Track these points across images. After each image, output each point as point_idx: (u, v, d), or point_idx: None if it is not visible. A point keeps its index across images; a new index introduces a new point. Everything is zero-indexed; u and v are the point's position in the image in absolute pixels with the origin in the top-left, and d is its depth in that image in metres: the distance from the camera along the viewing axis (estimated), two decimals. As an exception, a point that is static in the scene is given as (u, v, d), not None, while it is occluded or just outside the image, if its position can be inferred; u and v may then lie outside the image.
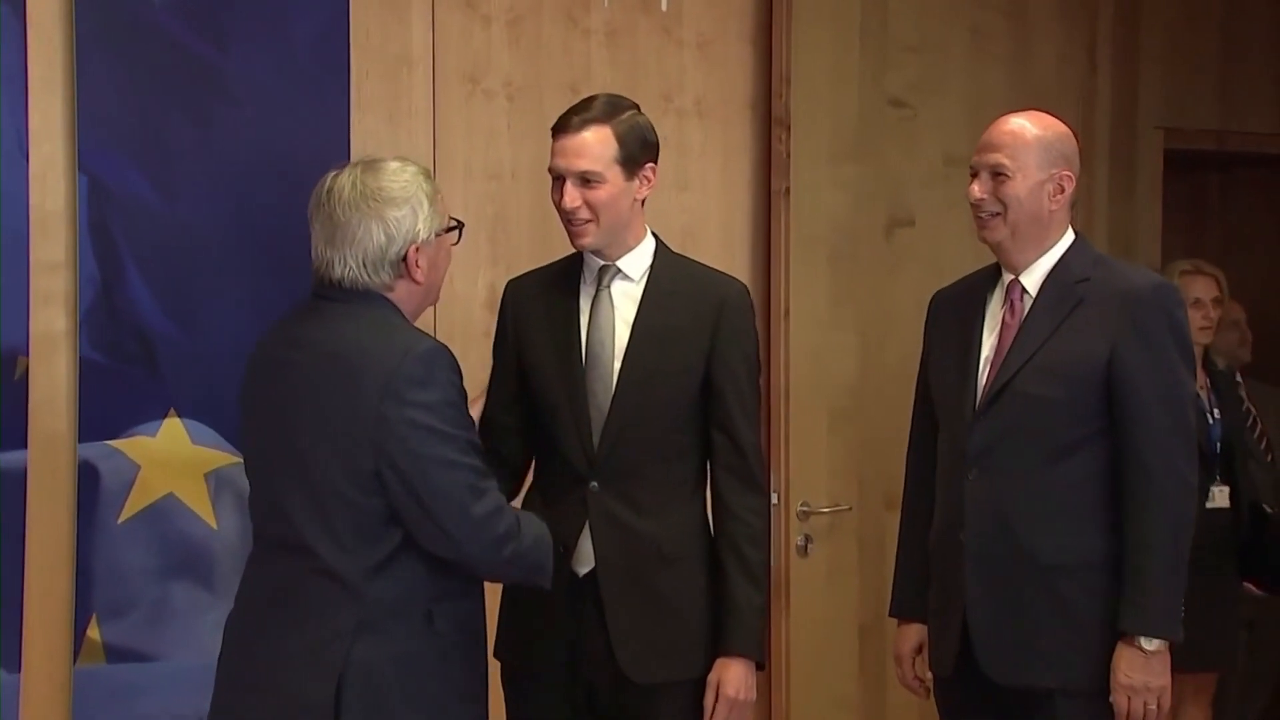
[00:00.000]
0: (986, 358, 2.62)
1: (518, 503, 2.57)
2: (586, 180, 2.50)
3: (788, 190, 3.54)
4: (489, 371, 2.67)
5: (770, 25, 3.56)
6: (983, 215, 2.61)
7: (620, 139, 2.52)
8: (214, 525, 2.92)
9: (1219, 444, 3.94)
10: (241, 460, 2.88)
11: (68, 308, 2.81)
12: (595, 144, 2.50)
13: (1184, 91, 4.21)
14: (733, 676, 2.51)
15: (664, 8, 3.49)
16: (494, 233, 3.29)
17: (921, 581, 2.74)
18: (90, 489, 2.81)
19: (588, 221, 2.51)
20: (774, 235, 3.57)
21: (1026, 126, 2.60)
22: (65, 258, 2.81)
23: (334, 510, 2.11)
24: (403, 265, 2.18)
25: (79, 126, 2.80)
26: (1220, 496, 3.93)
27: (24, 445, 2.76)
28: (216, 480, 2.92)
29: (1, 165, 2.74)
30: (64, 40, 2.79)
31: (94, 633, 2.81)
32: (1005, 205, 2.58)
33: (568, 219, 2.53)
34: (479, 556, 2.15)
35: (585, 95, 3.36)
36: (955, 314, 2.72)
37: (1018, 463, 2.55)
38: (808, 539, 3.54)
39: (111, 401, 2.84)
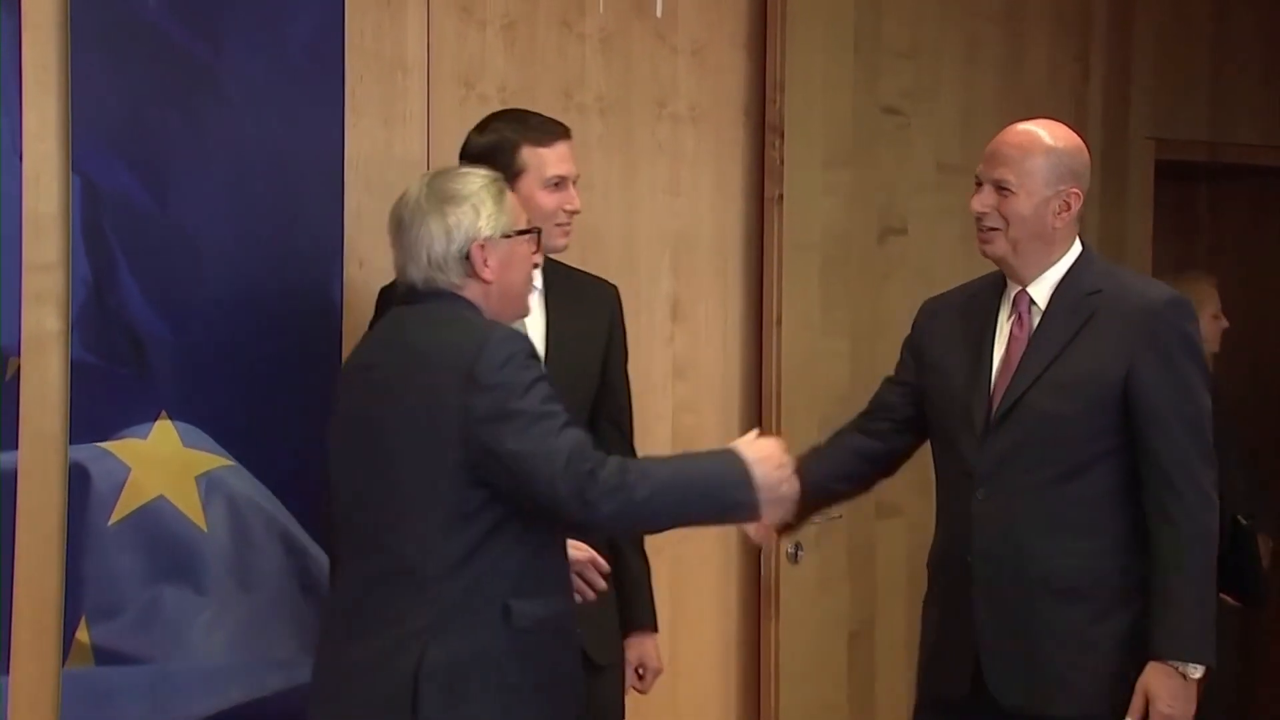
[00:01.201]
0: (996, 371, 2.54)
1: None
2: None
3: (781, 197, 3.55)
4: None
5: (764, 31, 3.57)
6: (984, 228, 2.54)
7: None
8: (204, 528, 2.91)
9: None
10: (233, 463, 2.93)
11: (60, 308, 2.80)
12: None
13: (1175, 102, 4.23)
14: (647, 652, 2.84)
15: (658, 13, 3.49)
16: (487, 237, 3.29)
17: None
18: (81, 491, 2.80)
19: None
20: (767, 241, 3.58)
21: (1036, 141, 2.52)
22: (58, 258, 2.80)
23: (416, 509, 2.12)
24: (469, 263, 2.21)
25: (73, 127, 2.79)
26: None
27: (15, 446, 2.75)
28: (208, 483, 2.91)
29: (-5, 165, 2.73)
30: (60, 40, 2.78)
31: (83, 635, 2.80)
32: (1007, 221, 2.50)
33: (566, 223, 2.65)
34: (601, 523, 2.12)
35: (579, 100, 3.41)
36: (961, 324, 2.63)
37: (1029, 481, 2.46)
38: (798, 547, 3.54)
39: (103, 403, 2.82)
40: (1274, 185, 4.70)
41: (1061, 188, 2.50)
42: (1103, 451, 2.46)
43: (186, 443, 2.89)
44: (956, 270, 3.86)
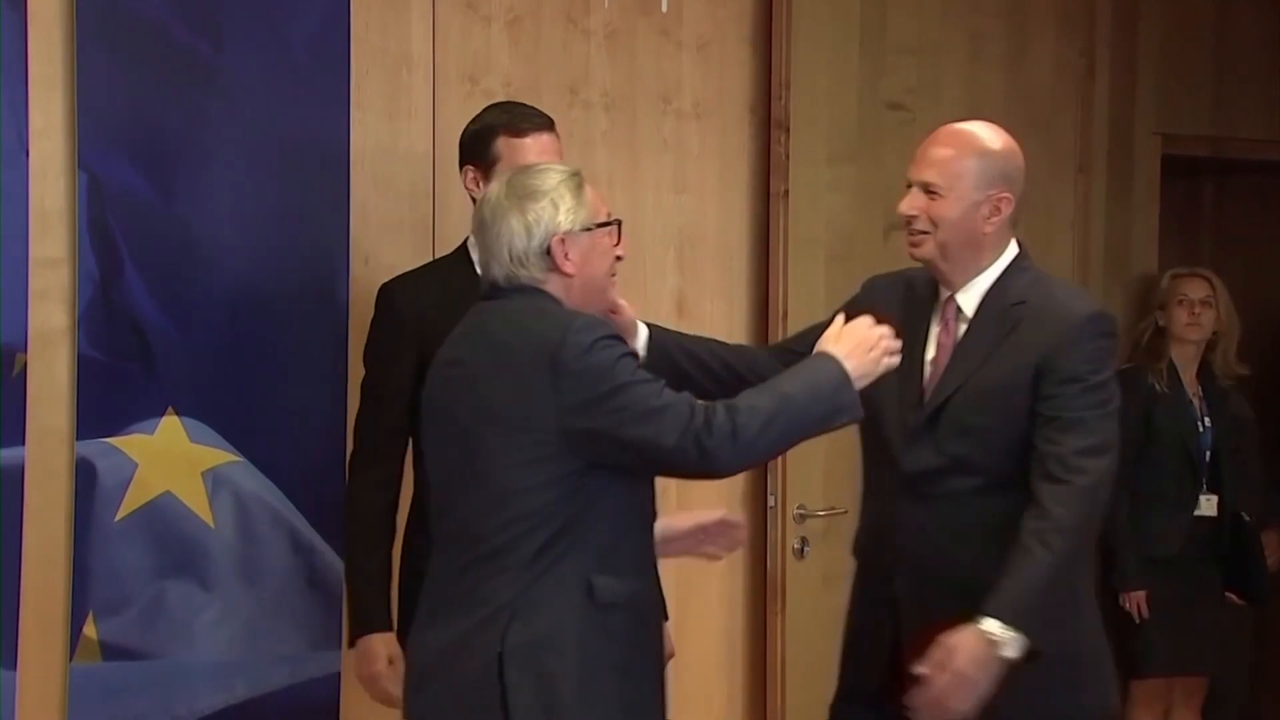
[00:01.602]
0: (926, 377, 2.50)
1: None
2: None
3: (786, 193, 3.55)
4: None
5: (770, 28, 3.57)
6: (912, 231, 2.47)
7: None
8: (211, 524, 2.92)
9: (1208, 453, 3.96)
10: (239, 459, 2.94)
11: (66, 304, 2.81)
12: (557, 145, 2.70)
13: (1180, 98, 4.23)
14: None
15: (664, 9, 3.49)
16: (493, 233, 3.29)
17: None
18: (88, 486, 2.80)
19: None
20: (772, 237, 3.58)
21: (965, 143, 2.45)
22: (65, 254, 2.81)
23: (505, 497, 2.15)
24: (549, 258, 2.22)
25: (79, 124, 2.80)
26: (1208, 505, 3.95)
27: (22, 442, 2.75)
28: (214, 479, 2.91)
29: (1, 162, 2.73)
30: (65, 37, 2.78)
31: (90, 630, 2.80)
32: (935, 224, 2.43)
33: None
34: (723, 469, 2.18)
35: (584, 96, 3.41)
36: (900, 315, 2.49)
37: (950, 490, 2.42)
38: (804, 542, 3.54)
39: (110, 399, 2.83)
40: (1279, 180, 4.70)
41: (991, 192, 2.44)
42: (1022, 462, 2.38)
43: (193, 438, 2.90)
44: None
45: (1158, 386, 3.97)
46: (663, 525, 2.36)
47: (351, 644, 2.65)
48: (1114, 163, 4.06)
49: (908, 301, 2.56)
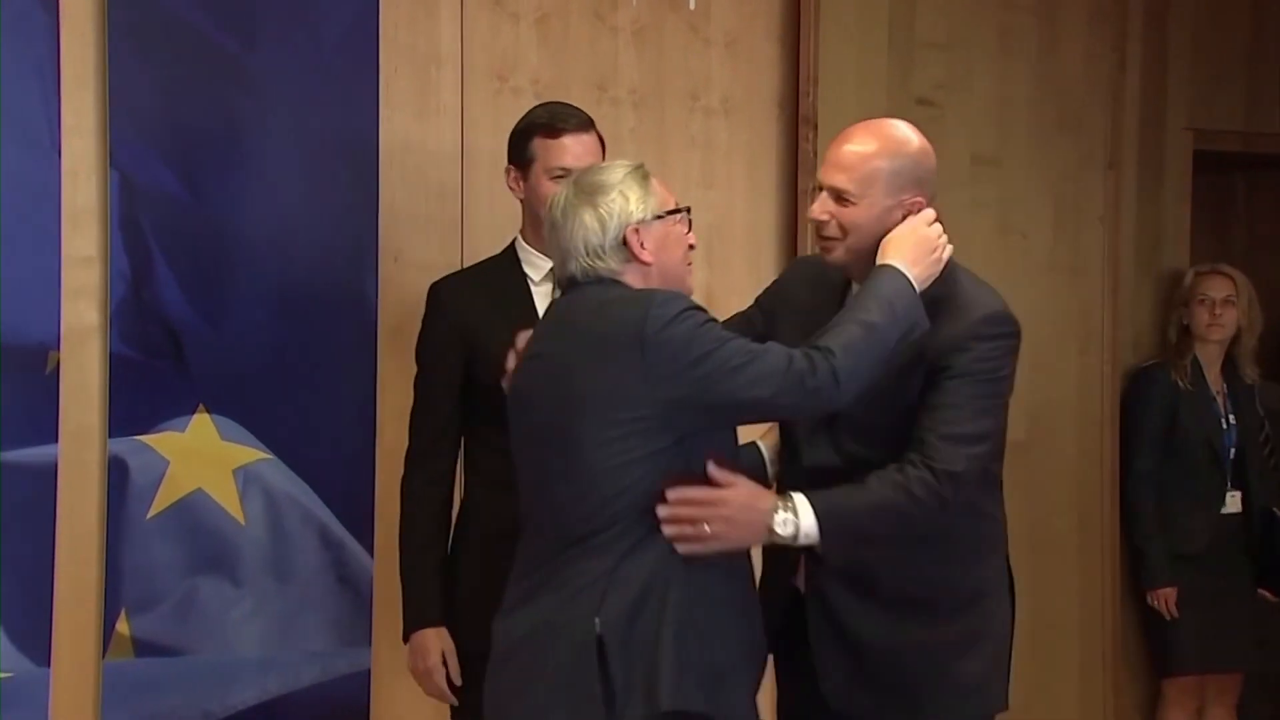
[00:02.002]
0: None
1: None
2: None
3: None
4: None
5: (798, 24, 3.56)
6: (822, 237, 2.41)
7: (601, 144, 2.74)
8: (242, 521, 2.93)
9: (1233, 449, 3.94)
10: (270, 456, 2.95)
11: (99, 302, 2.83)
12: (595, 145, 2.70)
13: (1212, 92, 4.19)
14: None
15: (691, 6, 3.49)
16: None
17: None
18: (120, 484, 2.83)
19: None
20: (800, 233, 3.56)
21: (877, 148, 2.36)
22: (97, 252, 2.83)
23: (597, 480, 2.18)
24: (626, 248, 2.25)
25: (110, 123, 2.81)
26: (1233, 502, 3.93)
27: (55, 439, 2.78)
28: (245, 476, 2.93)
29: (34, 161, 2.75)
30: (97, 37, 2.80)
31: (123, 627, 2.82)
32: (845, 231, 2.36)
33: None
34: (831, 404, 2.22)
35: (612, 93, 3.41)
36: (810, 301, 2.47)
37: (853, 465, 2.34)
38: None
39: (141, 397, 2.85)
40: (1312, 175, 4.66)
41: (904, 197, 2.35)
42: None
43: (224, 436, 2.91)
44: (991, 263, 3.84)
45: (1181, 384, 3.96)
46: None
47: (405, 639, 2.65)
48: (1145, 158, 4.02)
49: (820, 288, 2.50)
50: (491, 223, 3.24)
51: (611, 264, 2.24)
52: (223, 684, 2.90)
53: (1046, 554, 3.89)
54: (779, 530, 2.22)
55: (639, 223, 2.25)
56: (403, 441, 2.82)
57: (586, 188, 2.27)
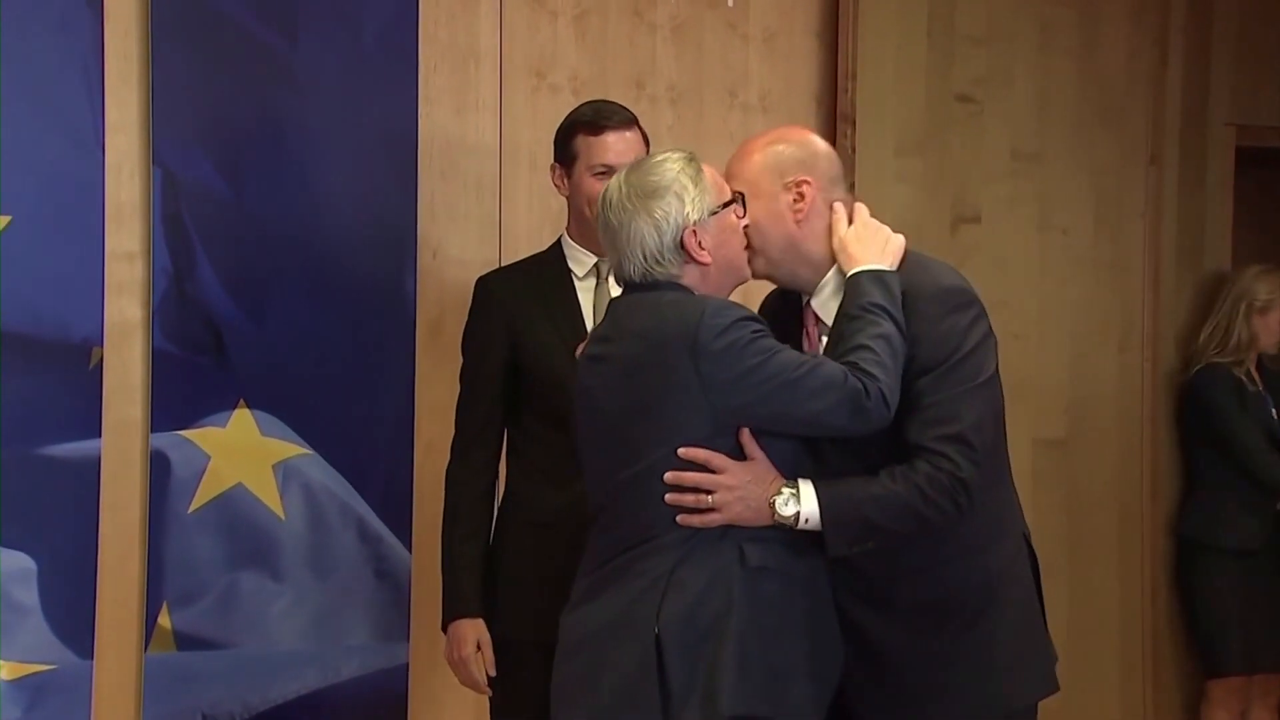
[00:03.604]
0: None
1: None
2: None
3: (852, 185, 3.52)
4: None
5: (836, 19, 3.55)
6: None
7: (645, 141, 2.73)
8: (282, 516, 2.95)
9: None
10: (310, 452, 2.96)
11: (142, 298, 2.85)
12: (639, 142, 2.70)
13: (1255, 88, 4.15)
14: None
15: (730, 2, 3.48)
16: (558, 226, 3.29)
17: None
18: (162, 478, 2.84)
19: None
20: (838, 231, 3.55)
21: (750, 145, 2.34)
22: (140, 248, 2.85)
23: (657, 482, 2.17)
24: (684, 251, 2.23)
25: (153, 119, 2.83)
26: None
27: (98, 434, 2.80)
28: (285, 471, 2.94)
29: (78, 157, 2.78)
30: (140, 34, 2.82)
31: (165, 620, 2.84)
32: (748, 237, 2.29)
33: None
34: (879, 421, 2.19)
35: (650, 90, 3.41)
36: (780, 317, 2.41)
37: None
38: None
39: (183, 392, 2.87)
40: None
41: (789, 179, 2.30)
42: (897, 444, 2.25)
43: (264, 431, 2.93)
44: (1031, 259, 3.84)
45: (1246, 382, 3.94)
46: None
47: (444, 628, 2.67)
48: (1186, 153, 3.99)
49: (783, 314, 2.44)
50: (529, 218, 3.25)
51: (670, 268, 2.22)
52: (263, 677, 2.91)
53: (1086, 552, 3.87)
54: (780, 510, 2.19)
55: (696, 224, 2.22)
56: (441, 436, 2.83)
57: (640, 189, 2.23)
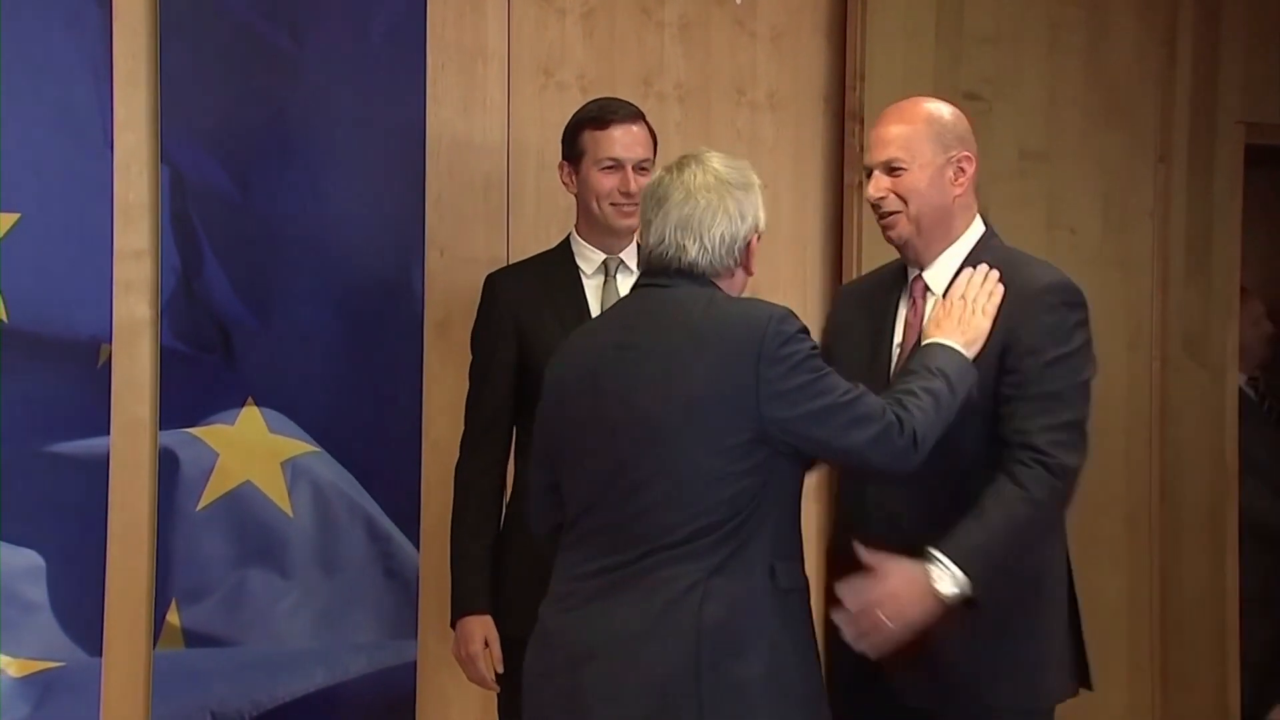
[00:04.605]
0: (894, 361, 2.43)
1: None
2: (645, 169, 2.70)
3: (861, 184, 3.51)
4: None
5: (844, 18, 3.54)
6: (884, 214, 2.43)
7: (652, 136, 2.75)
8: (290, 513, 2.96)
9: None
10: (318, 449, 2.97)
11: (150, 296, 2.86)
12: (646, 136, 2.72)
13: (1264, 86, 4.14)
14: None
15: (737, 1, 3.48)
16: (565, 225, 3.29)
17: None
18: (170, 476, 2.86)
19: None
20: (846, 230, 3.55)
21: (914, 114, 2.43)
22: (148, 246, 2.86)
23: (689, 482, 2.14)
24: (744, 253, 2.23)
25: (162, 118, 2.84)
26: None
27: (106, 432, 2.81)
28: (293, 469, 2.95)
29: (87, 156, 2.78)
30: (149, 32, 2.83)
31: (173, 617, 2.85)
32: (905, 200, 2.39)
33: (623, 204, 2.68)
34: (912, 465, 2.20)
35: (658, 88, 3.41)
36: (862, 313, 2.51)
37: (923, 475, 2.30)
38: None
39: (191, 390, 2.88)
40: (1366, 170, 4.59)
41: (952, 154, 2.41)
42: (990, 441, 2.32)
43: (273, 429, 2.93)
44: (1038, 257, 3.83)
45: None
46: None
47: (452, 624, 2.67)
48: (1195, 152, 3.97)
49: (874, 294, 2.52)
50: (537, 216, 3.25)
51: (726, 263, 2.19)
52: (271, 675, 2.92)
53: (1094, 551, 3.86)
54: (944, 592, 2.22)
55: (760, 233, 2.23)
56: (449, 434, 2.84)
57: (732, 178, 2.20)
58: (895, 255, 3.51)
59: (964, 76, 3.66)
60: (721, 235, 2.18)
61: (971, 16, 3.66)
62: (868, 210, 3.47)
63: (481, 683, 2.67)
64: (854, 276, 3.50)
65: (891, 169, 2.41)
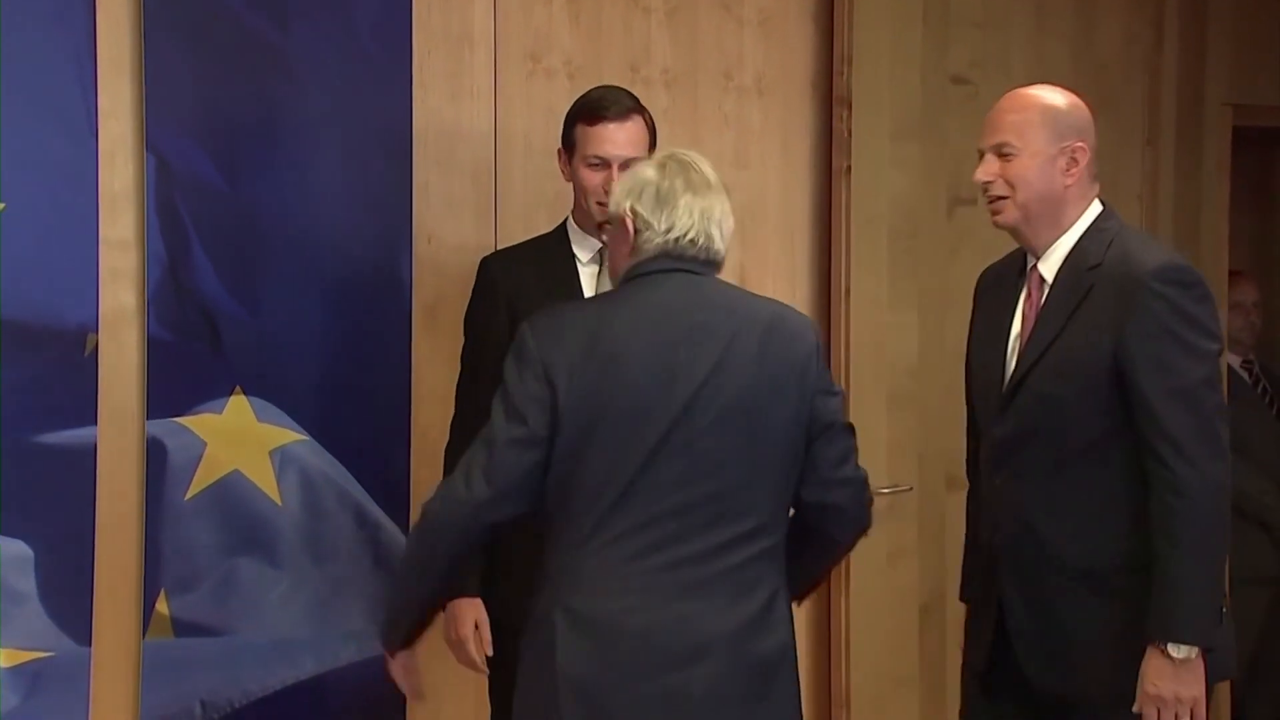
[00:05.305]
0: (1013, 349, 2.49)
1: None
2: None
3: (848, 169, 3.52)
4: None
5: (832, 2, 3.53)
6: (992, 198, 2.45)
7: (649, 128, 2.73)
8: (279, 502, 2.95)
9: None
10: (306, 438, 2.96)
11: (136, 285, 2.85)
12: (639, 132, 2.70)
13: (1252, 68, 4.14)
14: None
15: (724, -15, 3.47)
16: (553, 211, 3.29)
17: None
18: (158, 465, 2.85)
19: None
20: (834, 214, 3.55)
21: (1030, 101, 2.45)
22: (133, 236, 2.85)
23: (770, 469, 2.21)
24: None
25: (146, 107, 2.83)
26: None
27: (93, 422, 2.80)
28: (282, 457, 2.95)
29: (71, 145, 2.77)
30: (133, 21, 2.82)
31: (162, 607, 2.84)
32: (1013, 186, 2.42)
33: (606, 201, 2.61)
34: (848, 496, 2.35)
35: (645, 73, 3.40)
36: (994, 297, 2.58)
37: (1035, 465, 2.41)
38: (868, 519, 3.51)
39: (178, 379, 2.87)
40: (1354, 152, 4.60)
41: (1065, 144, 2.43)
42: (1106, 431, 2.36)
43: (261, 418, 2.93)
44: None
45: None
46: None
47: (442, 608, 2.67)
48: (1183, 135, 3.98)
49: (1005, 277, 2.58)
50: (525, 203, 3.24)
51: (723, 257, 2.31)
52: (261, 664, 2.92)
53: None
54: (1180, 655, 2.32)
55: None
56: (437, 421, 2.84)
57: (718, 180, 2.30)
58: (884, 245, 3.55)
59: (952, 60, 3.65)
60: (723, 230, 2.29)
61: (959, 1, 3.65)
62: (856, 195, 3.53)
63: (471, 665, 2.68)
64: (842, 261, 3.52)
65: (1002, 153, 2.43)
